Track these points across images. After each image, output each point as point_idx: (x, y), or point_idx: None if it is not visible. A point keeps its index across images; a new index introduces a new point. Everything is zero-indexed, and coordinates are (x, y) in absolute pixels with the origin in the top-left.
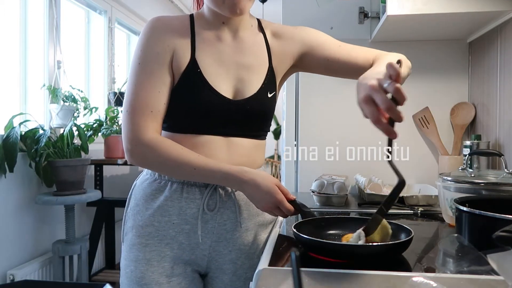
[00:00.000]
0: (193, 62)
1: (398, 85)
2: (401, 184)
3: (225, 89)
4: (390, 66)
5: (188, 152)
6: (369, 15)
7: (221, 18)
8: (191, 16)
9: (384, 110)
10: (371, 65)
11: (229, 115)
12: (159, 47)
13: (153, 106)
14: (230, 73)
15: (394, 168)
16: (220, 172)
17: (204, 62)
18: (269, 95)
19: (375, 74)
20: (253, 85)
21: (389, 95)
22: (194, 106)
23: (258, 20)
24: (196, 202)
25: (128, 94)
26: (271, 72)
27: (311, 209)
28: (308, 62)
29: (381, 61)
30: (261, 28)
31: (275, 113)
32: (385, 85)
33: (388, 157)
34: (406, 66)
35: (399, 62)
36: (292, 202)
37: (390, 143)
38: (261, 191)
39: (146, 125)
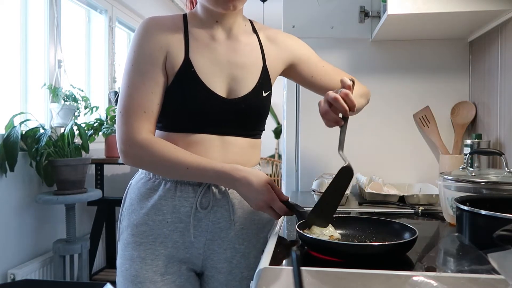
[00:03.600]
0: (187, 62)
1: (345, 91)
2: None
3: (220, 88)
4: (342, 80)
5: (181, 152)
6: (370, 14)
7: (215, 16)
8: (184, 15)
9: (330, 100)
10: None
11: (224, 114)
12: (152, 48)
13: (146, 107)
14: (224, 72)
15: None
16: (212, 171)
17: (198, 61)
18: (264, 94)
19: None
20: (248, 84)
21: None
22: (189, 105)
23: (251, 22)
24: (189, 200)
25: (122, 96)
26: (265, 72)
27: (308, 209)
28: (294, 72)
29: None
30: (254, 30)
31: (276, 112)
32: (337, 91)
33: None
34: (363, 94)
35: (352, 80)
36: (285, 202)
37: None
38: (253, 189)
39: (139, 126)
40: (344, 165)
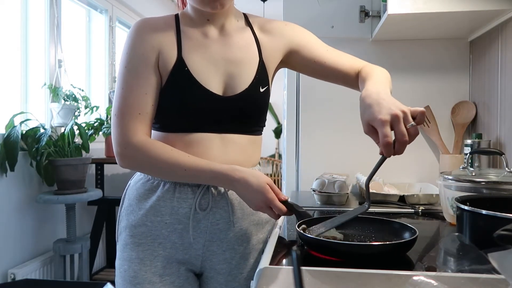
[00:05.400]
0: (180, 61)
1: (418, 131)
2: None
3: (215, 85)
4: (422, 114)
5: (178, 153)
6: (370, 14)
7: (205, 15)
8: (176, 15)
9: (398, 141)
10: (356, 74)
11: (221, 112)
12: (144, 49)
13: (141, 108)
14: (219, 69)
15: (368, 190)
16: (211, 172)
17: (191, 60)
18: (262, 90)
19: (395, 102)
20: (244, 80)
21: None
22: (184, 104)
23: (245, 15)
24: (188, 201)
25: (116, 98)
26: (262, 66)
27: (308, 209)
28: (295, 60)
29: (379, 79)
30: (248, 23)
31: (276, 112)
32: (409, 125)
33: (370, 178)
34: (390, 81)
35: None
36: (285, 202)
37: (381, 164)
38: (252, 190)
39: (135, 128)
40: (366, 206)
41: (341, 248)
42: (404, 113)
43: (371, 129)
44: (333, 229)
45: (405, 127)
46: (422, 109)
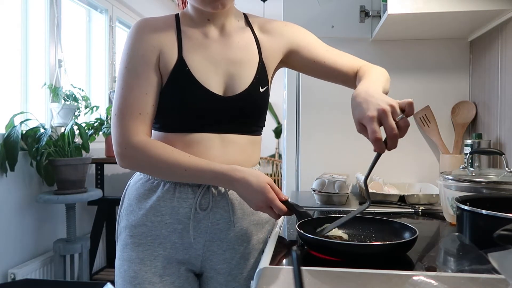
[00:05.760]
0: (180, 61)
1: (408, 123)
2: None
3: (215, 86)
4: (410, 104)
5: (179, 153)
6: (370, 14)
7: (206, 15)
8: (177, 15)
9: (389, 135)
10: (355, 74)
11: (221, 112)
12: (145, 49)
13: (141, 108)
14: (220, 70)
15: (367, 188)
16: (211, 172)
17: (192, 60)
18: (261, 90)
19: (383, 98)
20: (244, 80)
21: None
22: (185, 105)
23: (245, 15)
24: (188, 201)
25: (116, 98)
26: (261, 66)
27: (308, 209)
28: (294, 60)
29: (372, 78)
30: (248, 23)
31: (276, 111)
32: (398, 117)
33: (367, 176)
34: (387, 80)
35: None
36: (285, 202)
37: (376, 160)
38: (252, 190)
39: (135, 128)
40: (367, 204)
41: (341, 248)
42: (392, 106)
43: (363, 127)
44: (336, 229)
45: (395, 120)
46: (409, 100)
